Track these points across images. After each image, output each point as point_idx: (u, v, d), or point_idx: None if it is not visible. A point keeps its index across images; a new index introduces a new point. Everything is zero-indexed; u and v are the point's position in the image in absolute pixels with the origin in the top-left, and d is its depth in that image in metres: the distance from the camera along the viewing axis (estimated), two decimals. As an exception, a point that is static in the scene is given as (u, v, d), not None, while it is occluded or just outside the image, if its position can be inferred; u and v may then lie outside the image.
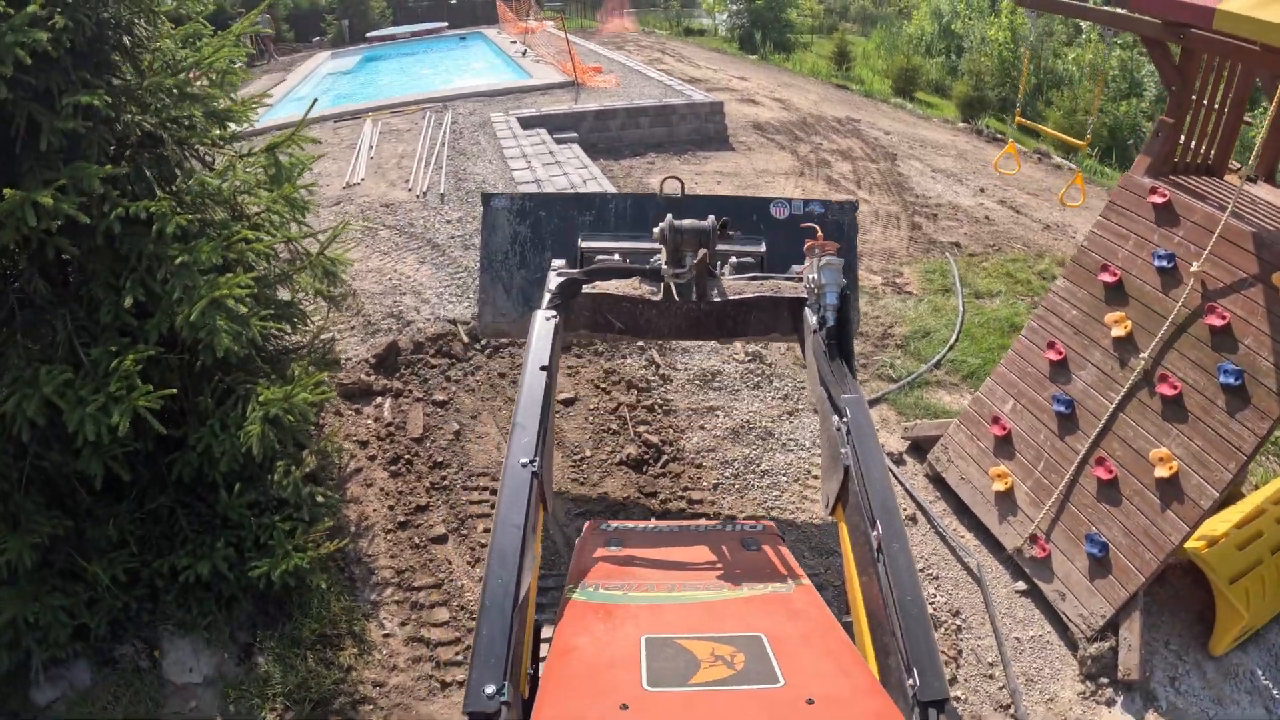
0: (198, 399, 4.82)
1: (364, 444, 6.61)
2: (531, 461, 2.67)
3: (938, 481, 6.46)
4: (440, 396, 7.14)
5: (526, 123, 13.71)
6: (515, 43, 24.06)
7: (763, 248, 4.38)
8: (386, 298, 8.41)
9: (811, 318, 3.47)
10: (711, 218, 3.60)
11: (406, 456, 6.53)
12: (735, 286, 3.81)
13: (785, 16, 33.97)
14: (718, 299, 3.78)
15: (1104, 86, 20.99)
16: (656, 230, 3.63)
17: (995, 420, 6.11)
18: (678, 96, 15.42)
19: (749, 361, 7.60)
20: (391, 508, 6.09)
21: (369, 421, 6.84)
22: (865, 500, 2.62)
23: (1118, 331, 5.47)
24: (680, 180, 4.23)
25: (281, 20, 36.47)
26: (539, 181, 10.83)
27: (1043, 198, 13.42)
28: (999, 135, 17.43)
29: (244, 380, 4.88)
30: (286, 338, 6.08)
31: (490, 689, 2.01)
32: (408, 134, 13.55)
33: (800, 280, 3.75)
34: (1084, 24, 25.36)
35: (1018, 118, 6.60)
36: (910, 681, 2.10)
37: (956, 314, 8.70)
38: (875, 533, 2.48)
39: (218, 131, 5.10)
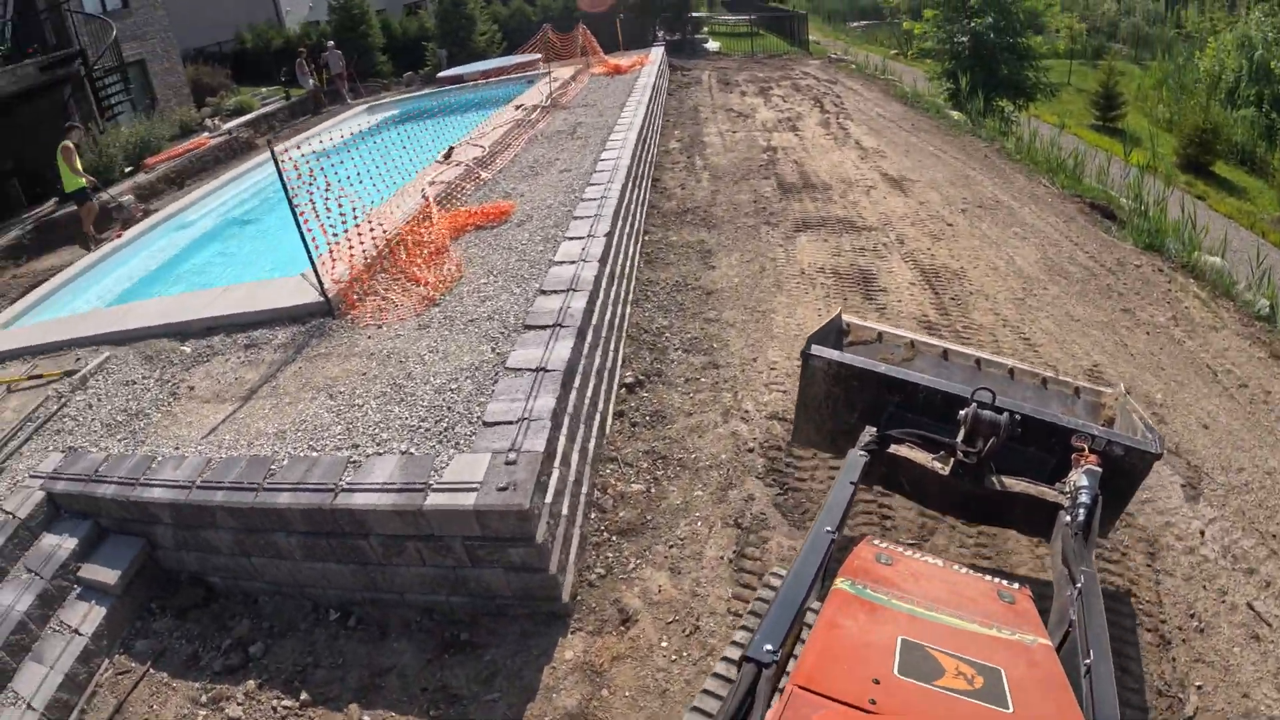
0: None
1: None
2: (832, 532, 3.02)
3: None
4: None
5: None
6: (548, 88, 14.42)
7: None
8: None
9: (1065, 516, 3.53)
10: (1007, 414, 3.66)
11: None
12: (1007, 482, 3.84)
13: (1022, 43, 21.45)
14: (990, 488, 3.84)
15: None
16: (962, 412, 3.70)
17: None
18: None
19: None
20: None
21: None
22: (1083, 635, 2.72)
23: None
24: (991, 391, 3.74)
25: (377, 49, 28.92)
26: None
27: None
28: None
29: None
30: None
31: (769, 646, 2.29)
32: None
33: (1061, 492, 3.74)
34: None
35: None
36: None
37: None
38: (1088, 660, 2.59)
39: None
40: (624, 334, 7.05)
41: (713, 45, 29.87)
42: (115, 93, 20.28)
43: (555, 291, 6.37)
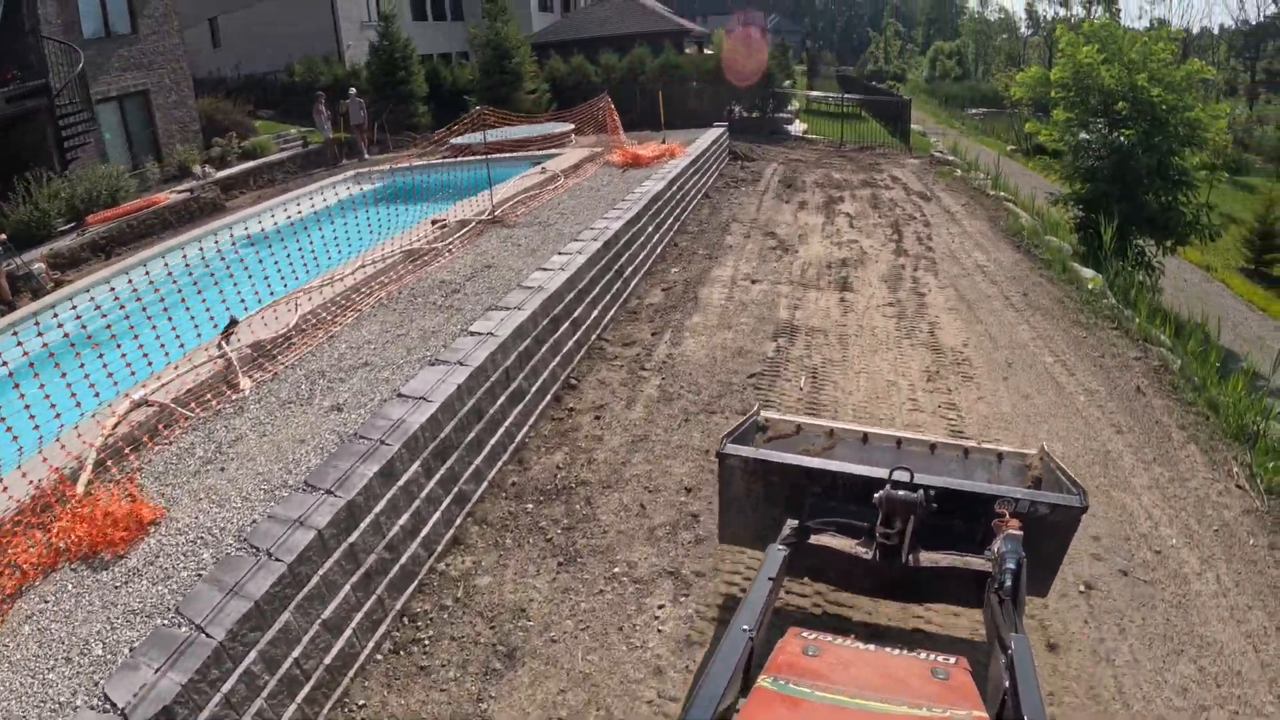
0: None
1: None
2: (750, 630, 2.80)
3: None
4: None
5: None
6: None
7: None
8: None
9: (993, 583, 3.36)
10: (922, 491, 3.51)
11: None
12: (932, 558, 3.68)
13: (1176, 163, 15.90)
14: (915, 566, 3.66)
15: None
16: (877, 496, 3.55)
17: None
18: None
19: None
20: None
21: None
22: (1016, 702, 2.52)
23: None
24: (909, 470, 3.57)
25: (418, 99, 25.40)
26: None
27: None
28: None
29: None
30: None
31: None
32: None
33: (988, 559, 3.58)
34: None
35: None
36: None
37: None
38: None
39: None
40: None
41: (797, 127, 25.19)
42: (77, 132, 16.97)
43: None
